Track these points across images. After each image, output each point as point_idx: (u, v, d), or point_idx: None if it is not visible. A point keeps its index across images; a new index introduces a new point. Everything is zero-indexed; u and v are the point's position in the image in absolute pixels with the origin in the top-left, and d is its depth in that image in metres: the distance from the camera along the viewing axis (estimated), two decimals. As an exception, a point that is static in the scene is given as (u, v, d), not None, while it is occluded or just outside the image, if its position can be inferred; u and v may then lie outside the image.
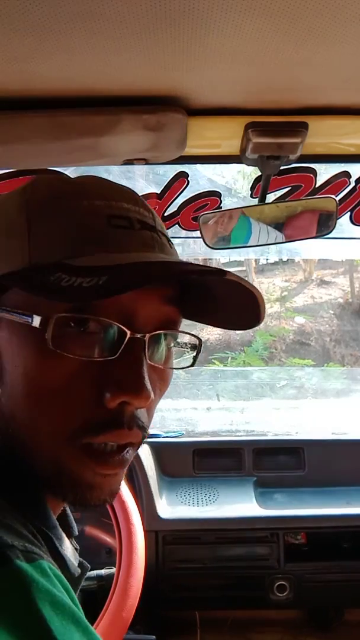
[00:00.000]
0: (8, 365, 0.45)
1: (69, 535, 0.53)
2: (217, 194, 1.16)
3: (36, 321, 0.43)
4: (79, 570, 0.49)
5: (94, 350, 0.44)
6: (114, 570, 1.06)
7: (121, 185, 0.52)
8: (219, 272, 0.45)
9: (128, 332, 0.44)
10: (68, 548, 0.48)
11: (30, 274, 0.43)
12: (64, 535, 0.48)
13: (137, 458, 1.35)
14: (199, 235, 1.01)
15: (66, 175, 0.53)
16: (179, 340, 0.51)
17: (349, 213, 1.18)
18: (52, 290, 0.40)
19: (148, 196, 1.16)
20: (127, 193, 0.50)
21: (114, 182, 0.52)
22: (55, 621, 0.32)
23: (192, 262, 0.47)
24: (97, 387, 0.43)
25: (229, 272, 0.45)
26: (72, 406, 0.43)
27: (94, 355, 0.44)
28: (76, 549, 0.52)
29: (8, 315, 0.44)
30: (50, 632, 0.31)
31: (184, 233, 1.21)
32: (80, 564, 0.49)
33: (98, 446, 0.44)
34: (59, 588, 0.35)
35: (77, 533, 0.55)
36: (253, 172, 1.07)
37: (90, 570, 1.14)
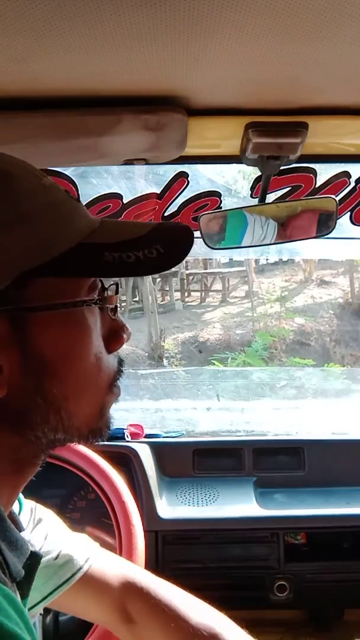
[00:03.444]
0: (51, 352, 0.47)
1: (18, 529, 0.52)
2: (217, 194, 1.16)
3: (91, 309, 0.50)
4: (22, 573, 0.48)
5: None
6: (114, 570, 1.06)
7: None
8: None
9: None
10: (19, 539, 0.48)
11: (75, 258, 0.46)
12: (12, 527, 0.48)
13: (137, 458, 1.35)
14: (199, 235, 1.01)
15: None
16: None
17: (349, 213, 1.17)
18: (107, 268, 0.47)
19: (148, 196, 1.16)
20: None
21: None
22: None
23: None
24: (116, 339, 0.54)
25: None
26: (113, 361, 0.53)
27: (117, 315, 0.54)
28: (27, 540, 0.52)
29: (50, 308, 0.46)
30: None
31: (183, 233, 1.21)
32: (33, 554, 0.50)
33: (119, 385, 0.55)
34: (10, 615, 0.36)
35: (24, 528, 0.61)
36: (253, 172, 1.07)
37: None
